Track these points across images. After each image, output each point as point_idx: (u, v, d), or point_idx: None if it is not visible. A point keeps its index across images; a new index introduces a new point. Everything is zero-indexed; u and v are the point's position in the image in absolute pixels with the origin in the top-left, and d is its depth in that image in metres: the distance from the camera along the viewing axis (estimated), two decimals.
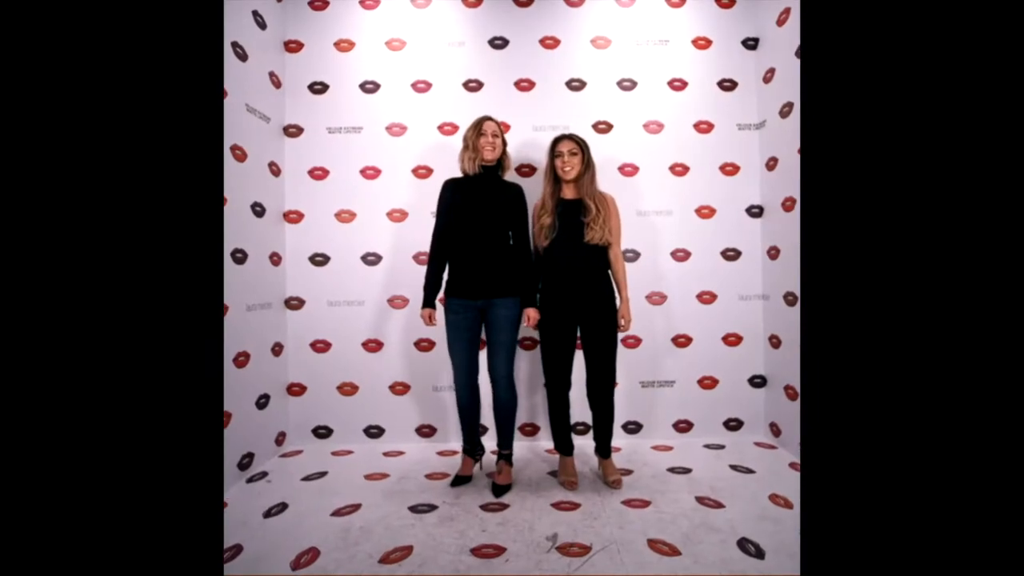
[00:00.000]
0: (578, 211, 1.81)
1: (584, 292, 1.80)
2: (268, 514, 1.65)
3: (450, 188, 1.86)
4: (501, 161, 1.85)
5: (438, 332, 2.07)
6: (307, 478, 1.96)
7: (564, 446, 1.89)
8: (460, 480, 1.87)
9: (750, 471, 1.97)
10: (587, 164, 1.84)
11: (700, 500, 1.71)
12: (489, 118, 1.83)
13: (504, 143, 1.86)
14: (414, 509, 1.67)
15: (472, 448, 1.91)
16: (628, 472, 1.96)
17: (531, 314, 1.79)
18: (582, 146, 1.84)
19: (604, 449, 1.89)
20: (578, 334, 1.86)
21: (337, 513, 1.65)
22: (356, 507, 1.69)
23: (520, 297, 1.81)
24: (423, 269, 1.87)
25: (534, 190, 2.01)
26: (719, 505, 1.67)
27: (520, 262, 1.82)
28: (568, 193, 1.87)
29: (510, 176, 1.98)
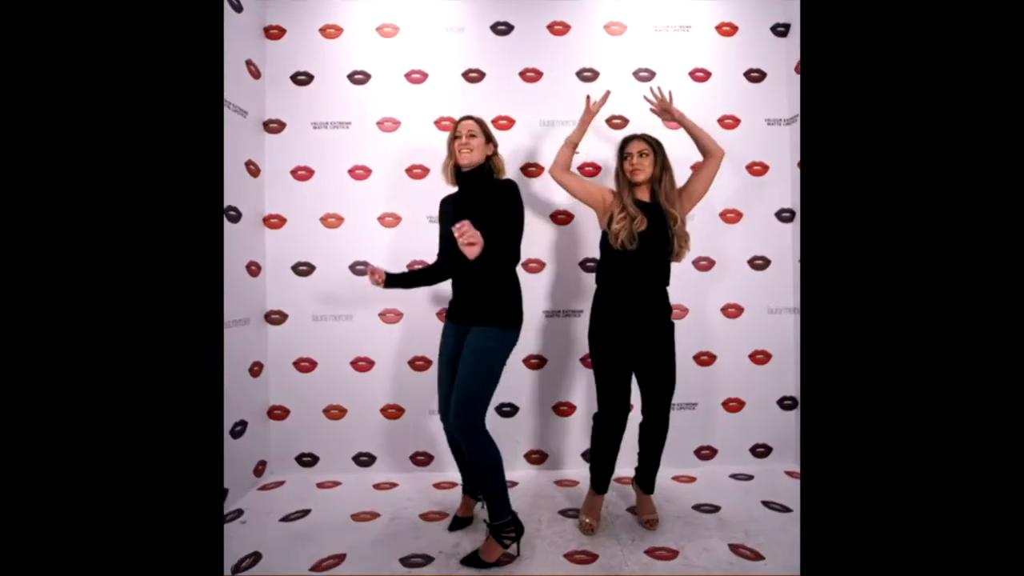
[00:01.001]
0: (661, 220, 1.58)
1: (646, 311, 1.58)
2: (238, 568, 1.43)
3: (441, 208, 1.63)
4: (490, 164, 1.56)
5: (435, 350, 1.85)
6: (286, 518, 1.74)
7: (601, 484, 1.68)
8: (459, 523, 1.65)
9: (786, 509, 1.75)
10: (662, 166, 1.61)
11: (734, 549, 1.50)
12: (469, 117, 1.55)
13: (491, 142, 1.56)
14: (406, 561, 1.45)
15: (472, 487, 1.69)
16: None
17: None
18: (654, 146, 1.61)
19: (648, 483, 1.71)
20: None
21: (318, 567, 1.43)
22: (340, 559, 1.47)
23: (498, 323, 1.46)
24: None
25: (540, 191, 1.82)
26: (758, 556, 1.46)
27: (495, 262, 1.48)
28: (642, 195, 1.63)
29: (512, 176, 1.75)
